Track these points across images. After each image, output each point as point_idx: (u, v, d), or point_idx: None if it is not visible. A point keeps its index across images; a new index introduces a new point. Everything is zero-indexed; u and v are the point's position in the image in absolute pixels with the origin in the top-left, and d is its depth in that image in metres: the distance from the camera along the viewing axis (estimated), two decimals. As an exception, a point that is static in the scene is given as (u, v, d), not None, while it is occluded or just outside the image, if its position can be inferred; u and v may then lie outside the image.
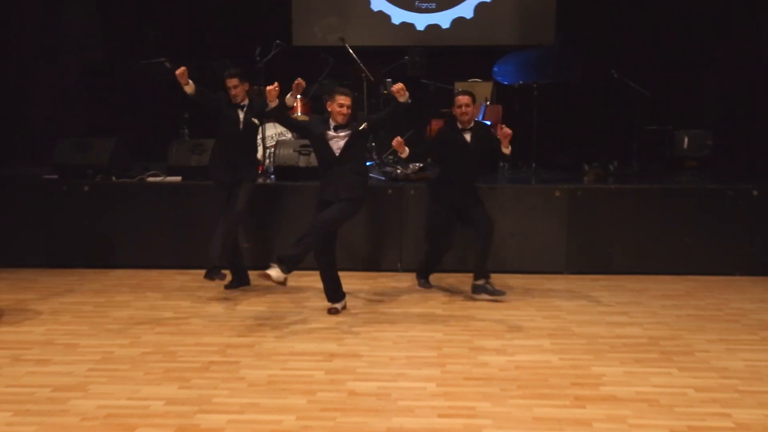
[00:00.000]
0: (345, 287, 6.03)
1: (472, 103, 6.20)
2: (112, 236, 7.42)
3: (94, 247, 7.44)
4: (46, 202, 7.49)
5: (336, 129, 5.68)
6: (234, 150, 6.31)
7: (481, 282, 6.25)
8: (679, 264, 7.17)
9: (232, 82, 6.28)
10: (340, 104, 5.64)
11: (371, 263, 7.29)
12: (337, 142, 5.67)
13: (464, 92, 6.28)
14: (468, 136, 6.20)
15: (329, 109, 5.72)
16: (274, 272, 5.33)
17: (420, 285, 6.67)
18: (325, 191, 5.71)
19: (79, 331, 5.46)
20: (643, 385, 4.44)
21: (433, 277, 6.79)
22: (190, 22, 10.25)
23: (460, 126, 6.24)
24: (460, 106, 6.19)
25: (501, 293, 6.23)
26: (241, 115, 6.30)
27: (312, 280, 6.86)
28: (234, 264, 6.54)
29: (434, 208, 6.38)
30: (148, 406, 4.13)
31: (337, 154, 5.66)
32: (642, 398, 4.25)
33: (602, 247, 7.23)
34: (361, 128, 5.69)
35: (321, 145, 5.73)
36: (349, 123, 5.69)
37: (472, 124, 6.25)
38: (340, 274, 5.96)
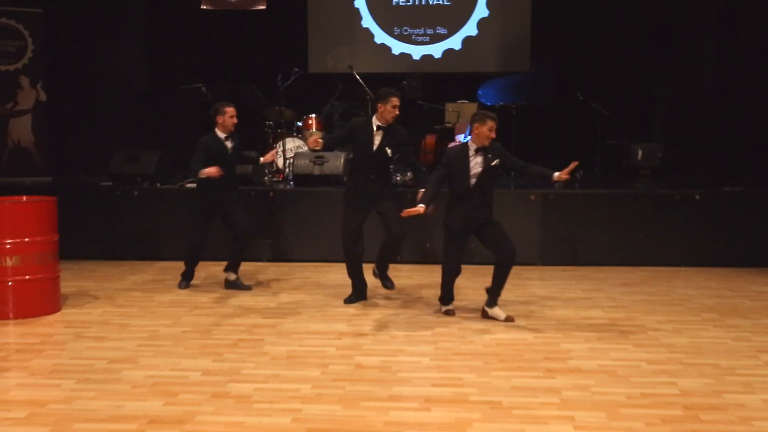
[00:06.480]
0: (346, 279, 5.96)
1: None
2: (157, 233, 7.44)
3: (142, 242, 7.46)
4: (103, 204, 7.53)
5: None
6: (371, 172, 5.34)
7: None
8: (635, 257, 7.15)
9: (395, 101, 5.05)
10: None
11: (371, 256, 7.07)
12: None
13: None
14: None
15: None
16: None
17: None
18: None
19: (130, 313, 5.48)
20: (604, 359, 4.44)
21: (427, 269, 6.77)
22: (221, 51, 10.24)
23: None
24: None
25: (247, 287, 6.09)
26: (377, 140, 5.30)
27: (325, 270, 6.89)
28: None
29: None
30: (187, 376, 4.15)
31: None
32: (603, 370, 4.25)
33: (571, 243, 7.22)
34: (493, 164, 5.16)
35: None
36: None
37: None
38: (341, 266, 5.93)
